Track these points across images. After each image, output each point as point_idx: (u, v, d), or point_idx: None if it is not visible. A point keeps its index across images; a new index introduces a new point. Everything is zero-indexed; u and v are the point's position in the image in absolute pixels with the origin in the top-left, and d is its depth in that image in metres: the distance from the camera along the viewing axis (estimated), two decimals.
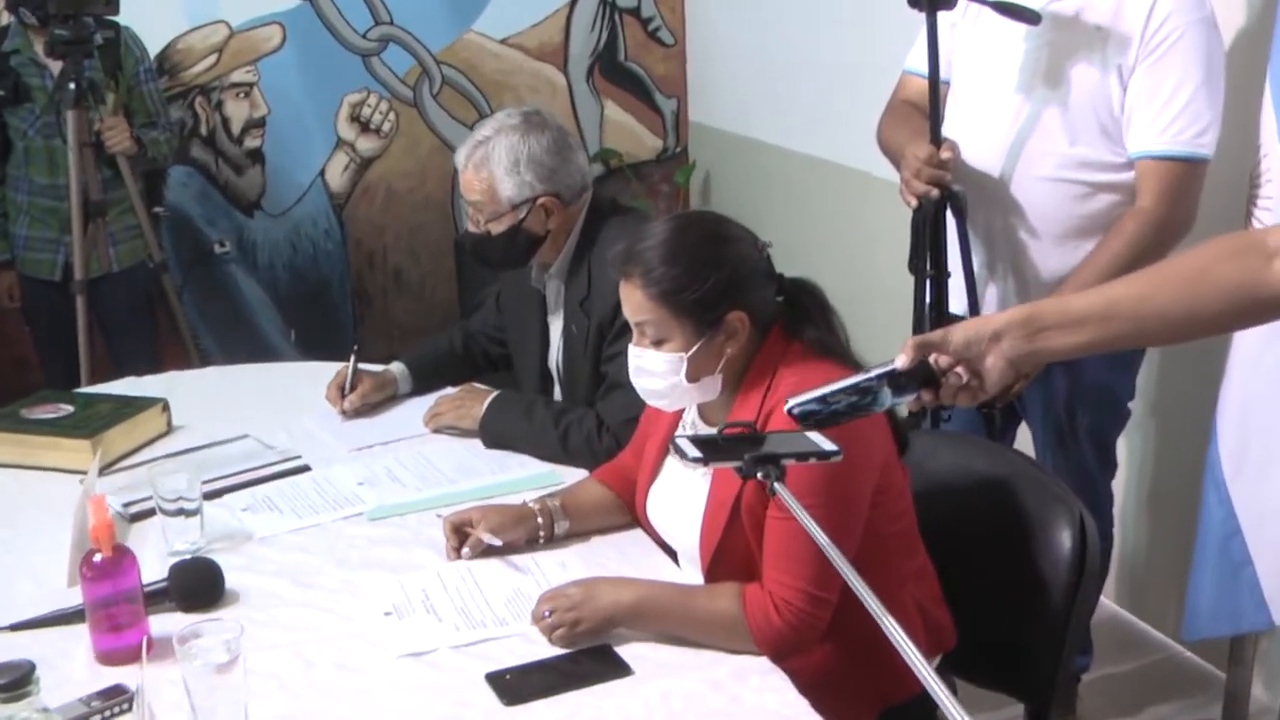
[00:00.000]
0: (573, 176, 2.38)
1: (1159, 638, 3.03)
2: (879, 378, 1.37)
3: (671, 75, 4.80)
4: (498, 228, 2.36)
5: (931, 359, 1.39)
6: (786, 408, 1.38)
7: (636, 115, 4.80)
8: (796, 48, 4.03)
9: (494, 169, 2.32)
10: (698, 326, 1.76)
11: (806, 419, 1.38)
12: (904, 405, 1.43)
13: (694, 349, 1.76)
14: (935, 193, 2.33)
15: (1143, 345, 2.29)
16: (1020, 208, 2.36)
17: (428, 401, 2.52)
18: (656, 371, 1.80)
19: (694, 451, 1.36)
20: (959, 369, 1.39)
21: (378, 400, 2.58)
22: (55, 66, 3.37)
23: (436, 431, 2.44)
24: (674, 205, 4.79)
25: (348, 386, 2.54)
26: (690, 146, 4.87)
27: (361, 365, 2.59)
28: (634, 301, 1.79)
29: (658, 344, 1.79)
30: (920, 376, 1.39)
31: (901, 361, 1.38)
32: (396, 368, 2.65)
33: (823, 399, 1.37)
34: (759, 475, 1.32)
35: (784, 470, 1.32)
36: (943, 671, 1.86)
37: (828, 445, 1.37)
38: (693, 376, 1.78)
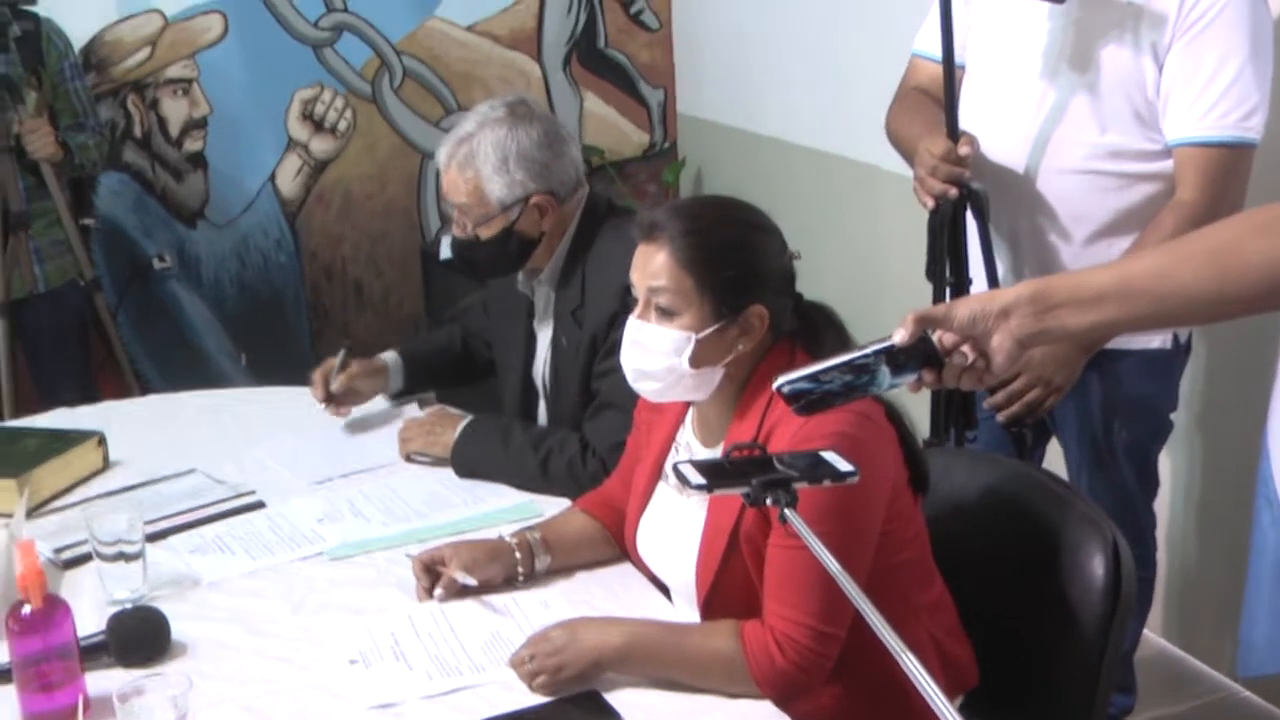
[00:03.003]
0: (566, 171, 2.41)
1: (1212, 675, 3.04)
2: (876, 354, 1.40)
3: (657, 63, 4.84)
4: (487, 232, 2.38)
5: (934, 336, 1.41)
6: (775, 385, 1.41)
7: (619, 108, 4.83)
8: (796, 30, 4.06)
9: (480, 168, 2.35)
10: (717, 309, 1.78)
11: (796, 399, 1.41)
12: (905, 385, 1.44)
13: (706, 332, 1.78)
14: (954, 192, 2.34)
15: (1164, 326, 2.30)
16: (1047, 205, 2.38)
17: (394, 429, 2.54)
18: (657, 348, 1.80)
19: (697, 478, 1.37)
20: (964, 348, 1.42)
21: (368, 391, 2.61)
22: None
23: (406, 461, 2.46)
24: None
25: (334, 377, 2.56)
26: (680, 141, 4.90)
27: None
28: (655, 264, 1.79)
29: (665, 316, 1.80)
30: (921, 355, 1.41)
31: (900, 337, 1.40)
32: (389, 357, 2.67)
33: (814, 377, 1.40)
34: (768, 501, 1.34)
35: (796, 495, 1.35)
36: (964, 713, 1.87)
37: (843, 465, 1.39)
38: (696, 363, 1.79)
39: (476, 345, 2.76)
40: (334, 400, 2.57)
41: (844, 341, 1.83)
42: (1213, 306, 1.43)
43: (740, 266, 1.79)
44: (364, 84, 4.48)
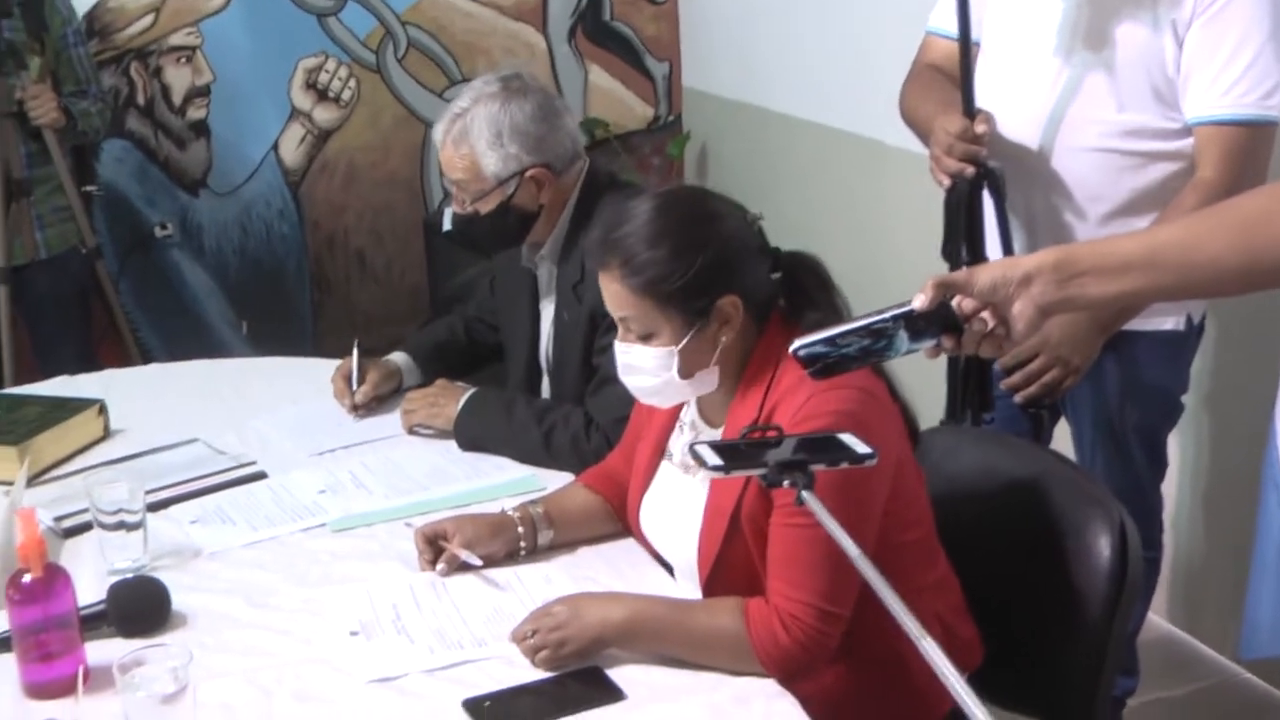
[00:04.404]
0: (562, 144, 2.40)
1: (1215, 658, 3.05)
2: (895, 319, 1.40)
3: (663, 36, 4.81)
4: (485, 207, 2.38)
5: (954, 302, 1.41)
6: (792, 349, 1.41)
7: (624, 80, 4.81)
8: (804, 3, 4.04)
9: (475, 143, 2.35)
10: (686, 317, 1.78)
11: (813, 362, 1.41)
12: (923, 350, 1.43)
13: (684, 341, 1.78)
14: (970, 170, 2.32)
15: (1188, 298, 2.29)
16: (1063, 184, 2.36)
17: (396, 401, 2.54)
18: (646, 368, 1.82)
19: (714, 459, 1.38)
20: (984, 314, 1.41)
21: (387, 392, 2.61)
22: None
23: (409, 433, 2.46)
24: (667, 180, 4.80)
25: (354, 380, 2.57)
26: (685, 115, 4.88)
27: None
28: (614, 294, 1.81)
29: (645, 339, 1.81)
30: (940, 320, 1.41)
31: (920, 302, 1.40)
32: (399, 358, 2.68)
33: (831, 340, 1.40)
34: (785, 483, 1.34)
35: (813, 477, 1.35)
36: None
37: (861, 447, 1.39)
38: (686, 372, 1.79)
39: (480, 331, 2.76)
40: (360, 409, 2.58)
41: (830, 297, 1.83)
42: (1240, 278, 1.42)
43: (693, 268, 1.76)
44: (368, 53, 4.46)
